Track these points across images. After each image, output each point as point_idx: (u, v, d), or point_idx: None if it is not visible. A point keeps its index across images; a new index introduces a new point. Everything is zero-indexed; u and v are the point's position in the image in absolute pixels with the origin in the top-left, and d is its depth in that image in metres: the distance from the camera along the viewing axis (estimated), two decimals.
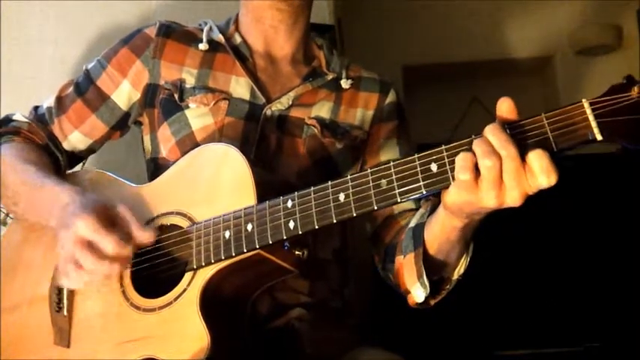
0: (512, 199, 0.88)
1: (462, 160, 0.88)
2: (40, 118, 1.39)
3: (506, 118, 0.91)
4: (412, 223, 1.16)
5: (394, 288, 1.22)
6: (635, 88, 0.83)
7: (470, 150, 0.89)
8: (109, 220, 1.09)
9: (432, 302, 1.14)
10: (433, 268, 1.10)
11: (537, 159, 0.85)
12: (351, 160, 1.35)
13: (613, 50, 3.71)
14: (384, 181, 0.96)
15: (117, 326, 1.14)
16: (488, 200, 0.89)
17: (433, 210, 1.09)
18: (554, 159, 0.86)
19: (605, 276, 2.67)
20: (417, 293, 1.11)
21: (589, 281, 2.67)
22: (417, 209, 1.27)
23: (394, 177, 0.96)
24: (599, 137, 0.84)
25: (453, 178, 0.91)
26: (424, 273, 1.08)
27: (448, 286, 1.14)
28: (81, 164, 1.48)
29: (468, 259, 1.11)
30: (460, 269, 1.11)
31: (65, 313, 1.19)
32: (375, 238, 1.33)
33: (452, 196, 0.93)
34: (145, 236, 1.10)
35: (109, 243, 1.05)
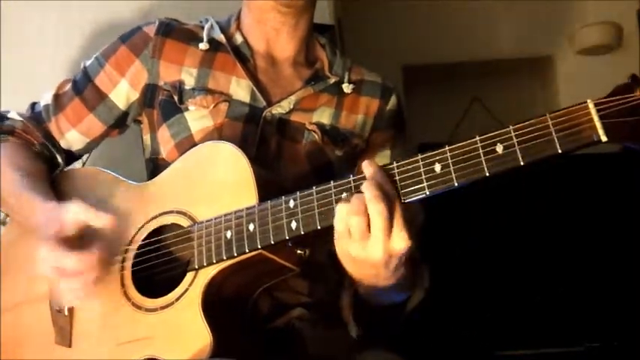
0: (377, 254, 0.94)
1: (338, 212, 0.95)
2: (36, 115, 1.39)
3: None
4: None
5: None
6: None
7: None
8: (67, 235, 1.11)
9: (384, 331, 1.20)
10: (366, 305, 1.15)
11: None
12: (350, 167, 1.34)
13: (613, 50, 3.71)
14: None
15: (118, 326, 1.14)
16: (356, 251, 0.95)
17: None
18: (554, 160, 0.88)
19: (606, 276, 2.67)
20: (352, 330, 1.19)
21: (589, 281, 2.68)
22: None
23: (397, 178, 0.96)
24: (604, 138, 0.84)
25: (457, 179, 0.91)
26: (352, 319, 1.16)
27: (403, 316, 1.19)
28: (81, 162, 1.48)
29: (422, 292, 1.16)
30: (412, 303, 1.17)
31: (66, 312, 1.19)
32: None
33: (337, 248, 1.00)
34: (101, 222, 1.09)
35: (67, 261, 1.07)
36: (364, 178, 0.98)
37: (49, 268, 1.09)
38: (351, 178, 1.00)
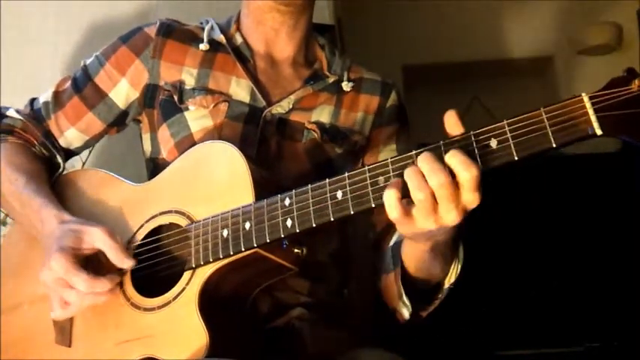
0: (450, 219, 0.91)
1: (386, 199, 0.91)
2: (36, 112, 1.39)
3: (453, 131, 0.93)
4: (392, 241, 1.18)
5: (384, 306, 1.23)
6: (636, 82, 0.81)
7: (400, 175, 0.92)
8: (87, 251, 1.12)
9: (424, 314, 1.15)
10: (418, 283, 1.11)
11: (453, 159, 0.88)
12: (351, 164, 1.35)
13: (613, 50, 3.71)
14: (381, 179, 0.96)
15: (117, 326, 1.14)
16: (427, 225, 0.92)
17: None
18: (549, 154, 0.87)
19: (606, 276, 2.67)
20: (402, 311, 1.14)
21: (589, 281, 2.67)
22: None
23: (392, 174, 0.95)
24: (599, 132, 0.83)
25: (453, 176, 0.90)
26: (403, 293, 1.11)
27: (440, 295, 1.14)
28: (81, 163, 1.48)
29: (459, 265, 1.11)
30: (450, 278, 1.12)
31: None
32: (376, 246, 1.33)
33: (397, 228, 0.96)
34: (124, 265, 1.12)
35: (80, 282, 1.08)
36: (360, 173, 0.98)
37: (53, 278, 1.09)
38: (347, 174, 0.99)
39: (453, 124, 0.93)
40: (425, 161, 0.90)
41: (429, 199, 0.89)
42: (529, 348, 2.65)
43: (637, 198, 2.65)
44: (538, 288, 2.69)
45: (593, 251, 2.69)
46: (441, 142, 0.91)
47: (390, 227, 1.29)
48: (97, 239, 1.11)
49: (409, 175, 0.90)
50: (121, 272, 1.14)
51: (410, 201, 0.91)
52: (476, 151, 0.90)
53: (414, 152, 0.94)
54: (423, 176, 0.89)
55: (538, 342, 2.63)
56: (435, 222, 0.91)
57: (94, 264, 1.12)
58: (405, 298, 1.11)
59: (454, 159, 0.88)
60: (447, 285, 1.12)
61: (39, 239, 1.20)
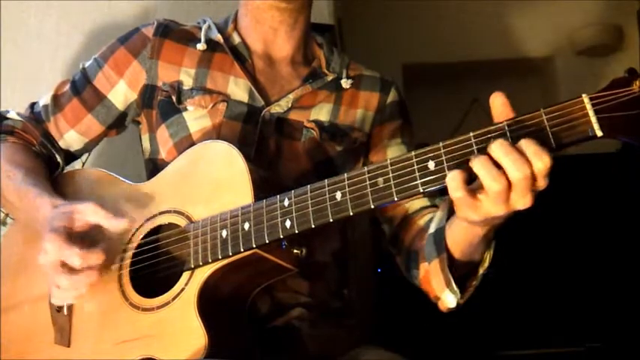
0: (524, 204, 0.88)
1: (451, 180, 0.88)
2: (36, 116, 1.39)
3: (501, 114, 0.90)
4: (432, 229, 1.15)
5: (423, 293, 1.21)
6: (637, 82, 0.81)
7: (465, 148, 0.89)
8: (80, 229, 1.11)
9: (462, 302, 1.13)
10: (458, 270, 1.10)
11: (526, 147, 0.85)
12: (351, 162, 1.35)
13: (613, 50, 3.71)
14: (380, 180, 0.96)
15: (116, 326, 1.14)
16: (496, 211, 0.89)
17: (451, 211, 1.07)
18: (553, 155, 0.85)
19: (606, 276, 2.67)
20: (448, 299, 1.11)
21: (590, 281, 2.67)
22: (432, 206, 1.27)
23: (391, 175, 0.95)
24: (599, 133, 0.83)
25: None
26: (452, 280, 1.08)
27: (475, 282, 1.13)
28: (81, 163, 1.48)
29: (492, 251, 1.10)
30: (484, 264, 1.10)
31: (65, 312, 1.19)
32: (394, 240, 1.32)
33: (459, 211, 0.94)
34: (117, 225, 1.10)
35: (73, 257, 1.07)
36: (359, 175, 0.98)
37: (50, 261, 1.08)
38: (346, 175, 0.99)
39: (499, 105, 0.91)
40: (504, 151, 0.86)
41: (506, 190, 0.86)
42: (529, 348, 2.65)
43: (636, 198, 2.65)
44: (539, 288, 2.69)
45: (593, 251, 2.69)
46: (505, 125, 0.87)
47: (408, 220, 1.29)
48: (88, 213, 1.11)
49: (482, 165, 0.86)
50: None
51: (474, 187, 0.88)
52: (476, 152, 0.88)
53: (412, 153, 0.93)
54: (497, 166, 0.86)
55: (538, 342, 2.63)
56: (506, 208, 0.88)
57: (87, 244, 1.11)
58: (454, 285, 1.08)
59: (530, 149, 0.85)
60: (481, 271, 1.11)
61: (38, 230, 1.19)
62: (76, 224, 1.11)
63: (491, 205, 0.88)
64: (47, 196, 1.19)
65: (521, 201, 0.87)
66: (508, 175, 0.85)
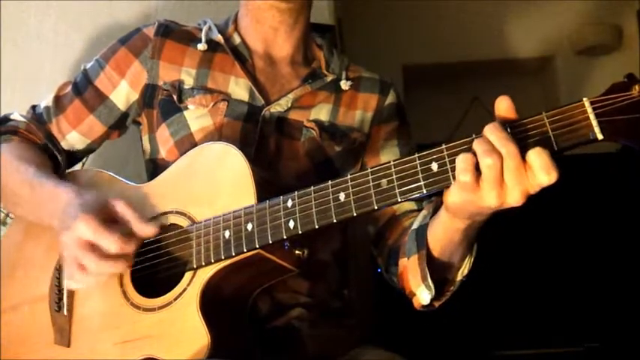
0: (514, 198, 0.88)
1: (462, 161, 0.89)
2: (37, 117, 1.39)
3: (505, 117, 0.91)
4: (415, 225, 1.16)
5: (399, 291, 1.21)
6: (636, 87, 0.83)
7: (470, 150, 0.89)
8: (109, 218, 1.10)
9: (437, 304, 1.13)
10: (437, 270, 1.10)
11: (537, 156, 0.86)
12: (351, 162, 1.35)
13: (613, 50, 3.72)
14: (384, 181, 0.96)
15: (117, 326, 1.14)
16: (489, 200, 0.89)
17: (436, 211, 1.08)
18: (554, 157, 0.86)
19: (605, 276, 2.67)
20: (423, 295, 1.11)
21: (589, 281, 2.67)
22: (419, 210, 1.26)
23: (394, 177, 0.95)
24: (600, 137, 0.84)
25: (454, 178, 0.90)
26: (428, 275, 1.08)
27: (452, 288, 1.13)
28: (81, 163, 1.48)
29: (472, 259, 1.10)
30: (464, 270, 1.11)
31: (65, 312, 1.19)
32: (377, 239, 1.33)
33: (453, 196, 0.93)
34: (146, 230, 1.11)
35: (111, 242, 1.07)
36: (363, 176, 0.98)
37: (76, 239, 1.07)
38: (349, 176, 0.99)
39: (504, 109, 0.91)
40: (493, 132, 0.88)
41: (498, 166, 0.86)
42: (529, 348, 2.65)
43: (636, 198, 2.66)
44: (538, 288, 2.69)
45: (593, 251, 2.69)
46: (507, 128, 0.88)
47: (393, 221, 1.29)
48: (119, 209, 1.11)
49: (478, 143, 0.88)
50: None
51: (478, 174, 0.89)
52: None
53: (416, 155, 0.94)
54: (493, 145, 0.87)
55: (538, 342, 2.63)
56: (498, 197, 0.88)
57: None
58: (429, 280, 1.08)
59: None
60: (459, 277, 1.11)
61: (47, 222, 1.18)
62: (110, 211, 1.11)
63: (487, 190, 0.88)
64: (67, 185, 1.19)
65: (513, 191, 0.87)
66: (499, 151, 0.86)
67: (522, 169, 0.86)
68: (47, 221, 1.18)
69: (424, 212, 1.16)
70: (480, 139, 0.89)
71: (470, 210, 0.94)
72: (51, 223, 1.17)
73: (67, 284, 1.15)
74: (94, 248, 1.07)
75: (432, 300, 1.11)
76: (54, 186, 1.20)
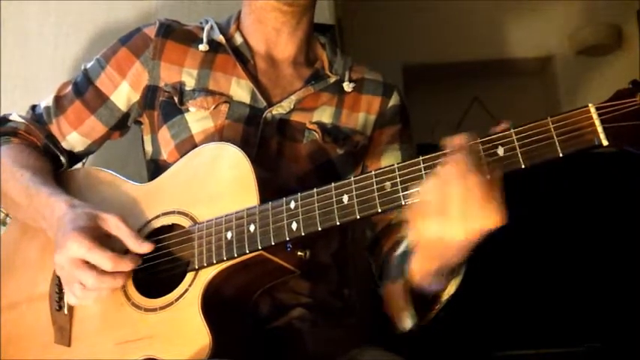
0: (456, 230, 0.88)
1: (429, 183, 0.90)
2: (37, 117, 1.39)
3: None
4: (400, 250, 1.16)
5: (384, 310, 1.22)
6: None
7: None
8: (102, 235, 1.11)
9: (423, 323, 1.14)
10: (420, 295, 1.10)
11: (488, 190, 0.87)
12: (352, 165, 1.35)
13: (613, 50, 3.71)
14: (388, 184, 0.96)
15: (118, 326, 1.14)
16: (433, 227, 0.90)
17: None
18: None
19: (606, 276, 2.67)
20: (406, 322, 1.12)
21: (589, 281, 2.67)
22: None
23: (398, 179, 0.96)
24: (605, 143, 0.85)
25: None
26: (411, 305, 1.09)
27: (438, 306, 1.13)
28: (81, 163, 1.48)
29: (459, 279, 1.10)
30: (450, 290, 1.11)
31: (66, 311, 1.19)
32: (373, 245, 1.33)
33: (413, 225, 0.94)
34: (140, 249, 1.12)
35: (104, 261, 1.08)
36: (366, 178, 0.98)
37: (72, 259, 1.08)
38: (353, 179, 0.99)
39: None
40: (457, 162, 0.88)
41: (442, 193, 0.88)
42: (529, 348, 2.64)
43: (637, 198, 2.65)
44: (538, 288, 2.69)
45: (593, 251, 2.69)
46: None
47: (389, 229, 1.29)
48: (111, 225, 1.12)
49: (434, 172, 0.90)
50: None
51: None
52: (482, 158, 0.90)
53: (420, 158, 0.94)
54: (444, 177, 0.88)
55: (538, 342, 2.63)
56: (439, 224, 0.89)
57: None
58: (412, 310, 1.10)
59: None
60: (445, 297, 1.11)
61: (44, 229, 1.19)
62: (100, 230, 1.11)
63: (431, 221, 0.89)
64: (61, 194, 1.20)
65: (456, 225, 0.88)
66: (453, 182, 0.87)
67: (468, 204, 0.87)
68: (44, 228, 1.20)
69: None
70: (438, 169, 0.89)
71: (430, 249, 0.96)
72: (47, 231, 1.18)
73: (70, 301, 1.16)
74: (90, 265, 1.08)
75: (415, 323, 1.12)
76: (48, 195, 1.20)
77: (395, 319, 1.15)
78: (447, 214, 0.88)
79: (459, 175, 0.87)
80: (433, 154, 0.94)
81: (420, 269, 1.05)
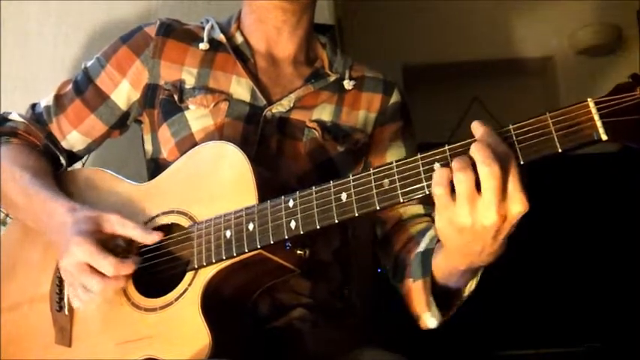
0: (488, 218, 0.87)
1: (437, 175, 0.89)
2: (37, 117, 1.38)
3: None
4: (421, 247, 1.15)
5: (404, 307, 1.20)
6: None
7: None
8: (105, 236, 1.12)
9: (444, 319, 1.13)
10: (442, 292, 1.10)
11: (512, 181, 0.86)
12: (353, 163, 1.35)
13: (613, 50, 3.71)
14: (386, 181, 0.96)
15: (118, 326, 1.14)
16: (462, 216, 0.88)
17: None
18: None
19: (606, 276, 2.67)
20: (429, 321, 1.11)
21: (589, 281, 2.67)
22: (426, 215, 1.27)
23: (397, 177, 0.95)
24: (604, 137, 0.84)
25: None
26: (434, 303, 1.08)
27: (459, 302, 1.12)
28: (81, 163, 1.48)
29: (480, 275, 1.09)
30: (471, 286, 1.10)
31: (66, 312, 1.19)
32: (384, 243, 1.32)
33: (437, 219, 0.92)
34: (149, 239, 1.12)
35: (107, 265, 1.08)
36: (365, 176, 0.98)
37: (76, 263, 1.09)
38: (351, 177, 0.99)
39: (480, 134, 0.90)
40: (479, 150, 0.87)
41: (469, 182, 0.86)
42: (529, 348, 2.64)
43: (637, 198, 2.65)
44: (538, 288, 2.69)
45: (594, 251, 2.69)
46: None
47: (400, 226, 1.29)
48: (115, 224, 1.12)
49: (456, 160, 0.88)
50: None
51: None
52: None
53: (419, 155, 0.94)
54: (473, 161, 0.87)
55: (538, 342, 2.63)
56: (470, 214, 0.87)
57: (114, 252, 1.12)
58: (435, 309, 1.09)
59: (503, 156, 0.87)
60: (466, 293, 1.10)
61: (44, 232, 1.19)
62: (102, 232, 1.12)
63: (460, 206, 0.87)
64: (60, 198, 1.20)
65: (487, 213, 0.87)
66: (477, 169, 0.86)
67: (499, 190, 0.85)
68: (44, 231, 1.19)
69: (431, 233, 1.16)
70: (460, 158, 0.88)
71: (457, 242, 0.93)
72: (47, 234, 1.18)
73: (75, 305, 1.16)
74: (93, 269, 1.09)
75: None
76: (48, 199, 1.20)
77: (417, 317, 1.14)
78: (478, 199, 0.87)
79: (495, 158, 0.85)
80: (431, 152, 0.93)
81: (447, 266, 1.04)
